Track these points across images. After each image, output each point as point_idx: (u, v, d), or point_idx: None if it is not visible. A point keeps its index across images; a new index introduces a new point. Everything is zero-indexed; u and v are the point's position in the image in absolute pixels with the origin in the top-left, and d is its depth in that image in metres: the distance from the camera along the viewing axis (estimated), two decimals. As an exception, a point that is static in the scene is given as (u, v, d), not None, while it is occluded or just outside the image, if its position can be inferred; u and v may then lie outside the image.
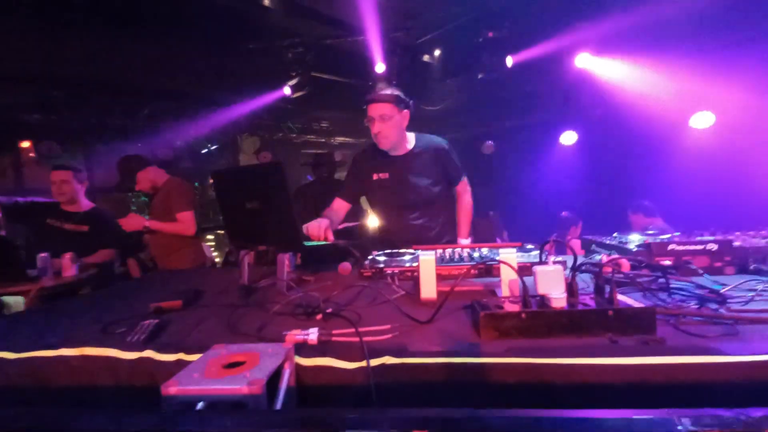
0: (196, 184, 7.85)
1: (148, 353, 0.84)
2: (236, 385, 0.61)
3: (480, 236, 4.29)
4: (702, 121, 4.12)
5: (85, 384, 0.87)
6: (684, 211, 3.15)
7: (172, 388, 0.62)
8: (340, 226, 2.54)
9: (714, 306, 0.94)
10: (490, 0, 4.26)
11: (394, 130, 1.95)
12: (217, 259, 6.16)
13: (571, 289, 0.91)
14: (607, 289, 0.89)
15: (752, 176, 3.69)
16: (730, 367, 0.71)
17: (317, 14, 4.56)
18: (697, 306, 0.94)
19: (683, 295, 1.02)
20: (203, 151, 8.15)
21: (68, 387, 0.88)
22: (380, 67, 4.88)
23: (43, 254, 2.27)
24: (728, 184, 3.81)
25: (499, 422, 0.47)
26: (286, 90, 5.18)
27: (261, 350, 0.74)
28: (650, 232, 1.60)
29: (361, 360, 0.78)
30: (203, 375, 0.66)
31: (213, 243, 7.75)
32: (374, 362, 0.77)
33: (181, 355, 0.83)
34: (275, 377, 0.68)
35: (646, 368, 0.71)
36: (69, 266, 2.33)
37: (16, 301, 2.63)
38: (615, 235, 1.61)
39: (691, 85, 4.26)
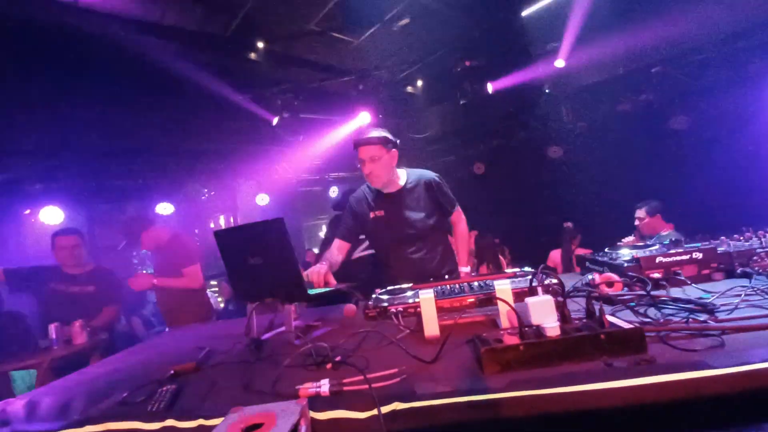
0: (196, 231, 7.95)
1: (170, 422, 0.88)
2: (257, 449, 0.65)
3: (484, 256, 4.34)
4: (678, 123, 4.26)
5: (112, 458, 0.91)
6: (675, 212, 3.22)
7: (198, 458, 0.66)
8: (355, 256, 2.60)
9: (702, 317, 0.99)
10: (464, 33, 4.50)
11: (384, 170, 2.04)
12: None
13: (564, 315, 0.96)
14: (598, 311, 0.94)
15: (733, 174, 3.79)
16: (719, 380, 0.75)
17: (302, 61, 4.80)
18: (685, 319, 0.98)
19: (672, 308, 1.07)
20: (202, 198, 8.30)
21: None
22: (365, 117, 5.13)
23: (53, 324, 2.30)
24: (711, 183, 3.90)
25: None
26: (274, 121, 5.33)
27: (277, 410, 0.78)
28: (639, 244, 1.66)
29: (372, 408, 0.82)
30: (225, 441, 0.70)
31: (216, 289, 7.76)
32: (385, 410, 0.81)
33: (201, 421, 0.87)
34: (293, 435, 0.72)
35: (640, 389, 0.75)
36: (79, 333, 2.36)
37: (21, 376, 2.63)
38: (606, 250, 1.66)
39: (667, 88, 4.46)
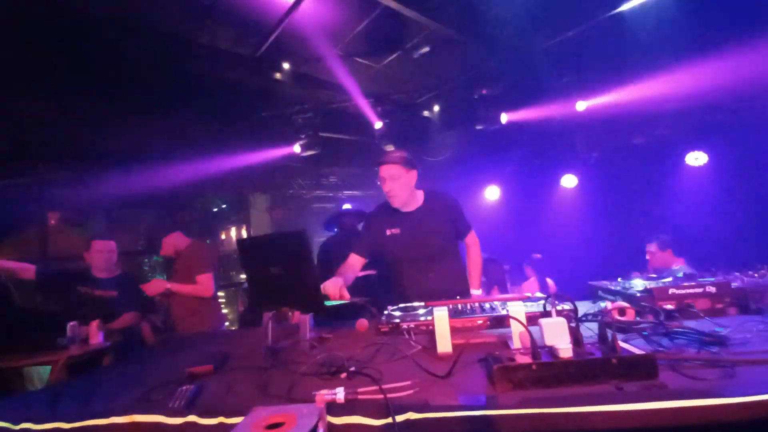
0: (207, 241, 8.08)
1: (192, 418, 0.92)
2: (280, 445, 0.69)
3: (491, 281, 4.35)
4: (696, 159, 4.28)
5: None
6: (688, 248, 3.20)
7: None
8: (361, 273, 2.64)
9: (714, 349, 1.00)
10: (482, 62, 4.65)
11: (404, 189, 2.10)
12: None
13: (576, 338, 0.98)
14: (610, 336, 0.96)
15: (748, 211, 3.77)
16: (728, 408, 0.76)
17: (323, 83, 5.00)
18: (697, 350, 1.00)
19: (685, 339, 1.08)
20: (215, 209, 8.48)
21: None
22: (378, 125, 5.28)
23: (72, 323, 2.36)
24: (725, 219, 3.88)
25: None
26: (296, 148, 5.52)
27: (297, 411, 0.81)
28: (653, 275, 1.67)
29: (386, 416, 0.84)
30: (249, 436, 0.73)
31: (224, 300, 7.80)
32: (399, 418, 0.83)
33: (222, 419, 0.90)
34: (312, 436, 0.76)
35: (650, 413, 0.77)
36: (96, 334, 2.41)
37: (37, 371, 2.68)
38: (619, 279, 1.68)
39: (684, 125, 4.50)
